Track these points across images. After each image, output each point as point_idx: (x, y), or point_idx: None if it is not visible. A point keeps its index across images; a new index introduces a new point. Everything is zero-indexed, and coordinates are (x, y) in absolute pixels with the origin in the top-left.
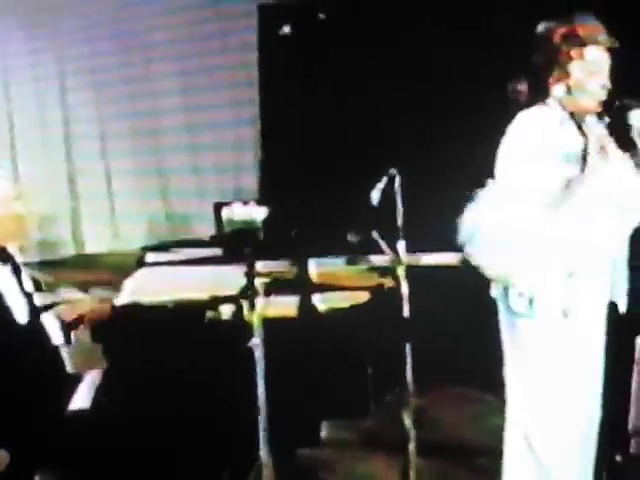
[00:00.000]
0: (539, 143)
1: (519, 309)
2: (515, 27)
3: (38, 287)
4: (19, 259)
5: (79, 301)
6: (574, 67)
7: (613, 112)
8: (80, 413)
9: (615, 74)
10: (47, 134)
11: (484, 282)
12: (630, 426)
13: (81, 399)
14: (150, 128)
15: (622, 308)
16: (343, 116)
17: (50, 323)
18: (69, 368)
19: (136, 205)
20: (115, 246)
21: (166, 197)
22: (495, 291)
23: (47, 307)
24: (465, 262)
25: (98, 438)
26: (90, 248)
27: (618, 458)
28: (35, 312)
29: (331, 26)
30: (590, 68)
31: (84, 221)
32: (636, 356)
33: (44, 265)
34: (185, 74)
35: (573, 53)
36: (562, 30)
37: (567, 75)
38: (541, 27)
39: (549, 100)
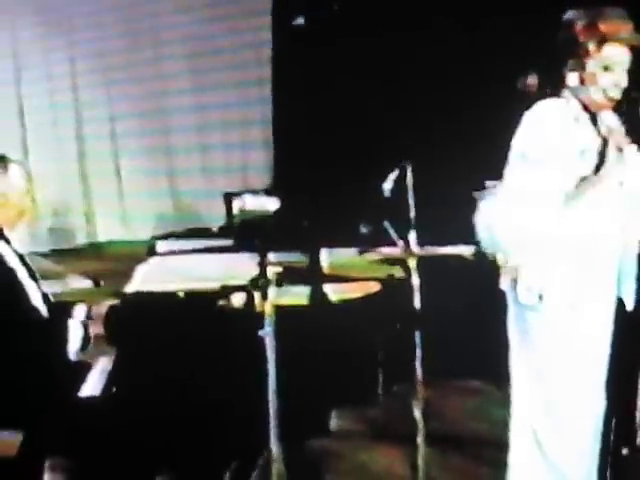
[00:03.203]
0: (554, 137)
1: (527, 302)
2: (531, 19)
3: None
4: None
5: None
6: (589, 61)
7: (628, 106)
8: (90, 400)
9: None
10: (59, 132)
11: (494, 274)
12: (637, 419)
13: (92, 386)
14: (160, 126)
15: (629, 306)
16: (356, 107)
17: (72, 324)
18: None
19: (146, 202)
20: (126, 236)
21: (175, 193)
22: (504, 284)
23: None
24: (477, 254)
25: (108, 425)
26: (101, 237)
27: (624, 451)
28: (46, 298)
29: (345, 17)
30: (605, 64)
31: (95, 211)
32: None
33: (56, 254)
34: (196, 72)
35: (590, 48)
36: (584, 22)
37: (582, 67)
38: (567, 14)
39: (564, 92)
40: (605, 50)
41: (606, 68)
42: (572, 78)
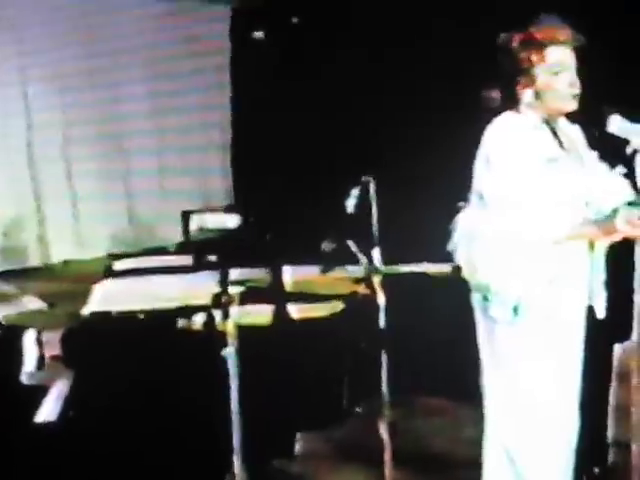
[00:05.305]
0: (518, 148)
1: (501, 317)
2: (490, 33)
3: None
4: None
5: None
6: (538, 71)
7: (596, 119)
8: (47, 425)
9: (593, 80)
10: (10, 141)
11: (461, 290)
12: (608, 437)
13: (48, 411)
14: (116, 132)
15: (600, 314)
16: (317, 122)
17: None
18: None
19: (100, 213)
20: (80, 255)
21: (132, 214)
22: (475, 299)
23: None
24: (444, 271)
25: (66, 450)
26: (55, 257)
27: (596, 470)
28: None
29: (304, 30)
30: (554, 69)
31: (49, 230)
32: (614, 365)
33: (8, 275)
34: (153, 79)
35: (534, 58)
36: (520, 36)
37: (533, 80)
38: (501, 36)
39: (521, 106)
40: (548, 56)
41: (556, 72)
42: (527, 95)
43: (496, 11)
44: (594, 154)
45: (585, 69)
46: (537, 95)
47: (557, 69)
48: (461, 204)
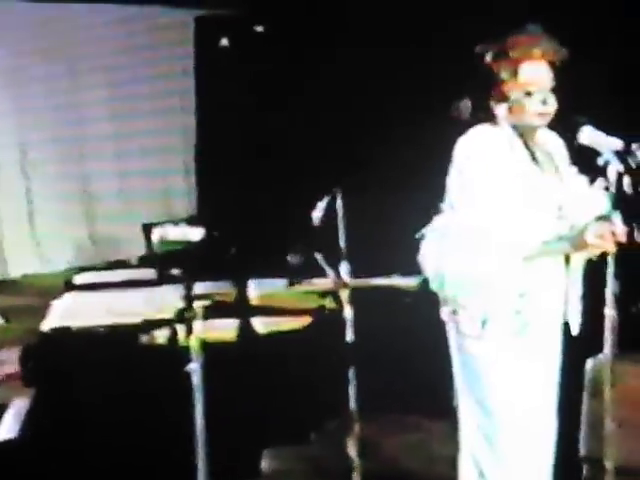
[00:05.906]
0: (489, 163)
1: (470, 332)
2: (464, 43)
3: None
4: None
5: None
6: (509, 88)
7: (569, 129)
8: (5, 444)
9: (567, 89)
10: None
11: (432, 304)
12: (581, 452)
13: (6, 429)
14: (75, 137)
15: (574, 329)
16: (284, 133)
17: None
18: None
19: (61, 228)
20: (39, 269)
21: (92, 219)
22: (445, 314)
23: None
24: (414, 285)
25: (25, 470)
26: (13, 271)
27: None
28: None
29: (269, 38)
30: (526, 87)
31: (5, 242)
32: (586, 381)
33: None
34: (113, 85)
35: (506, 76)
36: (493, 50)
37: (505, 96)
38: (477, 48)
39: (497, 118)
40: (521, 75)
41: (528, 90)
42: (500, 109)
43: (469, 21)
44: (572, 167)
45: (562, 80)
46: (510, 110)
47: (529, 87)
48: (432, 214)
